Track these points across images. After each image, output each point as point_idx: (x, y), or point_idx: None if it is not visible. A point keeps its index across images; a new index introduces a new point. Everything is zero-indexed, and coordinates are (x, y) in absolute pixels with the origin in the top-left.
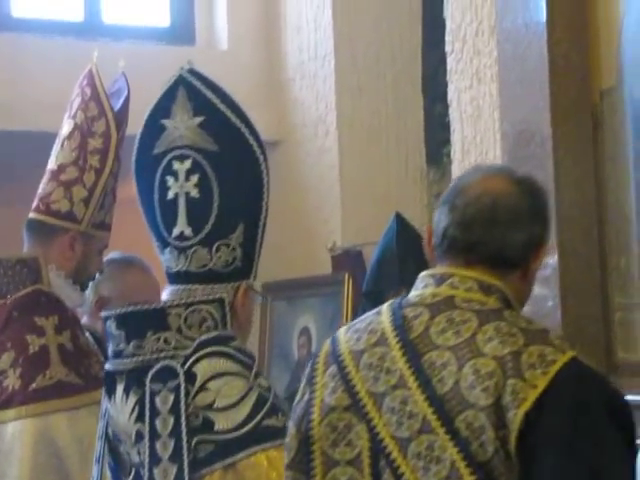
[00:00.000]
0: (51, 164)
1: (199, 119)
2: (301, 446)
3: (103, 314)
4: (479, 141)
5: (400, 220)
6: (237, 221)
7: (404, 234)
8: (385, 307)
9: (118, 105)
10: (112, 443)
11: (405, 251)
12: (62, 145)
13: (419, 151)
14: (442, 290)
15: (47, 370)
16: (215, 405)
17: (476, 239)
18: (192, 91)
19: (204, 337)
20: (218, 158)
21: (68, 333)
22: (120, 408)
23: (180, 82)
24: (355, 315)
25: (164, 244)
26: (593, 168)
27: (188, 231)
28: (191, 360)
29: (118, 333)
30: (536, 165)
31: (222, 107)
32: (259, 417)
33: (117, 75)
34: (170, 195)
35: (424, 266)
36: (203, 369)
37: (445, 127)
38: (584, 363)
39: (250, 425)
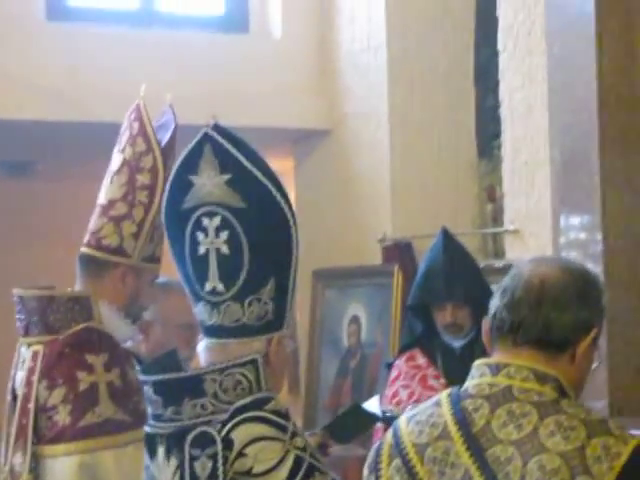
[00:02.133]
0: (101, 199)
1: (226, 176)
2: None
3: (140, 378)
4: (530, 140)
5: (447, 235)
6: (268, 276)
7: (451, 249)
8: (444, 398)
9: (165, 139)
10: None
11: (451, 266)
12: (111, 180)
13: (470, 143)
14: (499, 380)
15: (96, 407)
16: (253, 471)
17: (522, 319)
18: (218, 148)
19: (240, 402)
20: (246, 215)
21: (117, 370)
22: (162, 469)
23: (206, 139)
24: (402, 323)
25: (197, 298)
26: None
27: (220, 287)
28: (228, 426)
29: (156, 398)
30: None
31: (248, 165)
32: None
33: (165, 108)
34: (201, 250)
35: (471, 283)
36: (240, 435)
37: (497, 120)
38: None
39: None
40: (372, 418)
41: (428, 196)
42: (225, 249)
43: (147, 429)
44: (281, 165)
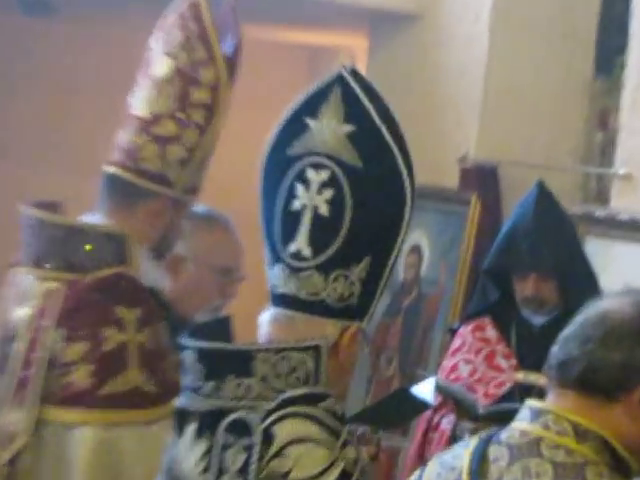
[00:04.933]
0: (140, 110)
1: (349, 127)
2: None
3: (182, 341)
4: None
5: (542, 190)
6: (364, 253)
7: (544, 208)
8: (475, 438)
9: (227, 47)
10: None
11: (542, 228)
12: (157, 89)
13: (587, 56)
14: (533, 429)
15: (124, 373)
16: (291, 475)
17: (567, 356)
18: (348, 94)
19: (291, 393)
20: (360, 177)
21: (150, 330)
22: (188, 452)
23: (337, 82)
24: (473, 266)
25: (276, 258)
26: None
27: (306, 251)
28: (272, 418)
29: (197, 367)
30: None
31: (378, 121)
32: None
33: (224, 6)
34: (296, 205)
35: (562, 252)
36: (283, 431)
37: (623, 31)
38: None
39: None
40: (421, 405)
41: (525, 114)
42: (324, 209)
43: (181, 401)
44: (353, 45)
